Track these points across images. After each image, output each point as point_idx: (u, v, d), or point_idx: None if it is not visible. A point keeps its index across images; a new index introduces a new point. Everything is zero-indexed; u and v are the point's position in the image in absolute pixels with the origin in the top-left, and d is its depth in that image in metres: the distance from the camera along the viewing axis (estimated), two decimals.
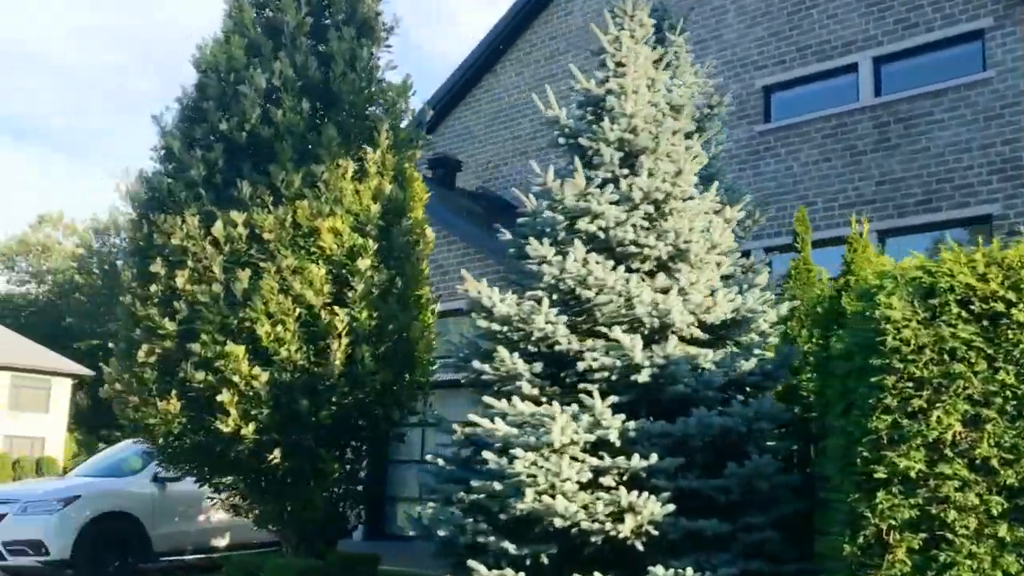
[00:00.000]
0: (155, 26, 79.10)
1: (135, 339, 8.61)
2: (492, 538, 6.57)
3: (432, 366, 9.43)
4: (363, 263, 8.61)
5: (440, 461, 7.33)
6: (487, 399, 6.71)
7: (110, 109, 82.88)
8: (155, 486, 11.16)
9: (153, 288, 8.58)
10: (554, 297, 6.99)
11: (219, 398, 8.06)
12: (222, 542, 11.70)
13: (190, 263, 8.47)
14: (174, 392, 8.37)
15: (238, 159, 8.81)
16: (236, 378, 8.11)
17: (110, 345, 9.20)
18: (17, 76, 79.22)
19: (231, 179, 8.80)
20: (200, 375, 8.22)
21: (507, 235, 7.78)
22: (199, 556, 11.40)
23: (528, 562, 6.54)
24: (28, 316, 51.57)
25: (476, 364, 7.10)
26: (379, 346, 8.63)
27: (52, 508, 10.38)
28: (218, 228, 8.39)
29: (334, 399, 8.38)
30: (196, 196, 8.69)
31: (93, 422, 45.33)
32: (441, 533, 6.83)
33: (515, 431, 6.50)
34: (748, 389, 7.24)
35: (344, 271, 8.62)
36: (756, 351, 7.28)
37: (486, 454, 6.45)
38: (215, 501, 9.57)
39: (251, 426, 8.15)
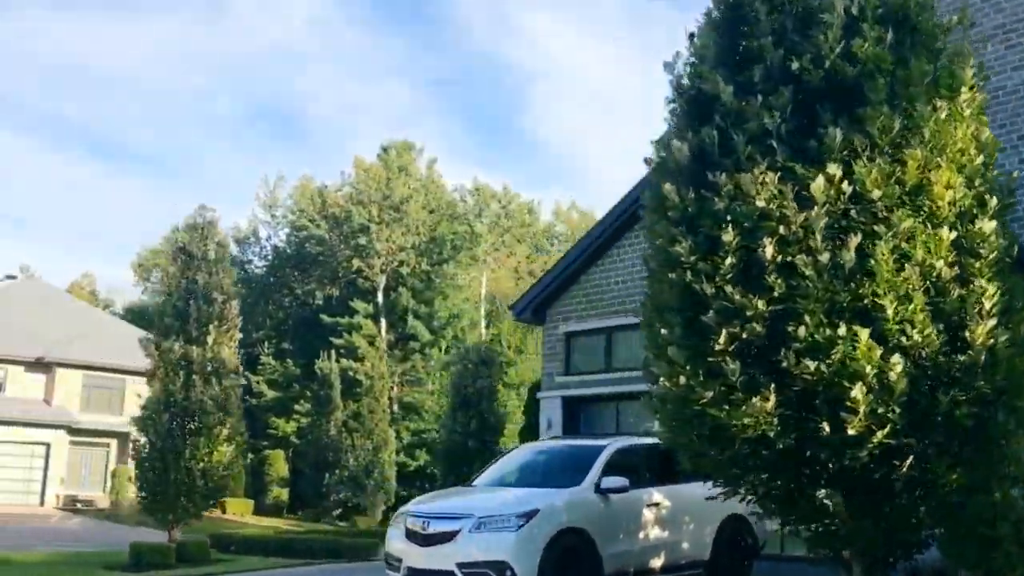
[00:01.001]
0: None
1: (704, 323, 7.13)
2: None
3: None
4: (988, 225, 7.00)
5: None
6: None
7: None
8: (599, 498, 9.69)
9: (728, 261, 7.08)
10: None
11: (852, 394, 6.51)
12: (657, 562, 10.20)
13: (781, 230, 6.95)
14: (772, 386, 6.86)
15: (811, 103, 7.28)
16: (868, 368, 6.56)
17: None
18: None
19: (799, 127, 7.28)
20: (812, 365, 6.69)
21: None
22: None
23: None
24: None
25: None
26: (1007, 327, 7.02)
27: (512, 525, 8.95)
28: (817, 186, 6.85)
29: (966, 394, 6.79)
30: (767, 150, 7.18)
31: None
32: None
33: None
34: None
35: (959, 235, 7.02)
36: None
37: None
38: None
39: (887, 428, 6.59)
